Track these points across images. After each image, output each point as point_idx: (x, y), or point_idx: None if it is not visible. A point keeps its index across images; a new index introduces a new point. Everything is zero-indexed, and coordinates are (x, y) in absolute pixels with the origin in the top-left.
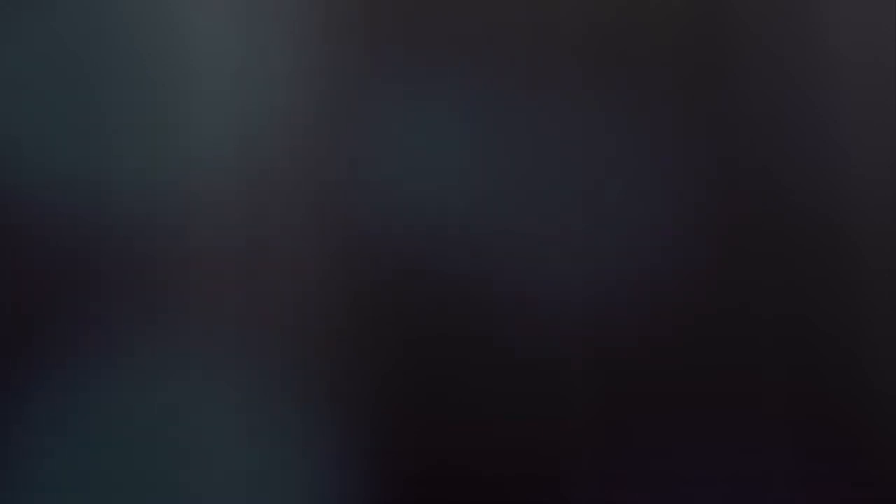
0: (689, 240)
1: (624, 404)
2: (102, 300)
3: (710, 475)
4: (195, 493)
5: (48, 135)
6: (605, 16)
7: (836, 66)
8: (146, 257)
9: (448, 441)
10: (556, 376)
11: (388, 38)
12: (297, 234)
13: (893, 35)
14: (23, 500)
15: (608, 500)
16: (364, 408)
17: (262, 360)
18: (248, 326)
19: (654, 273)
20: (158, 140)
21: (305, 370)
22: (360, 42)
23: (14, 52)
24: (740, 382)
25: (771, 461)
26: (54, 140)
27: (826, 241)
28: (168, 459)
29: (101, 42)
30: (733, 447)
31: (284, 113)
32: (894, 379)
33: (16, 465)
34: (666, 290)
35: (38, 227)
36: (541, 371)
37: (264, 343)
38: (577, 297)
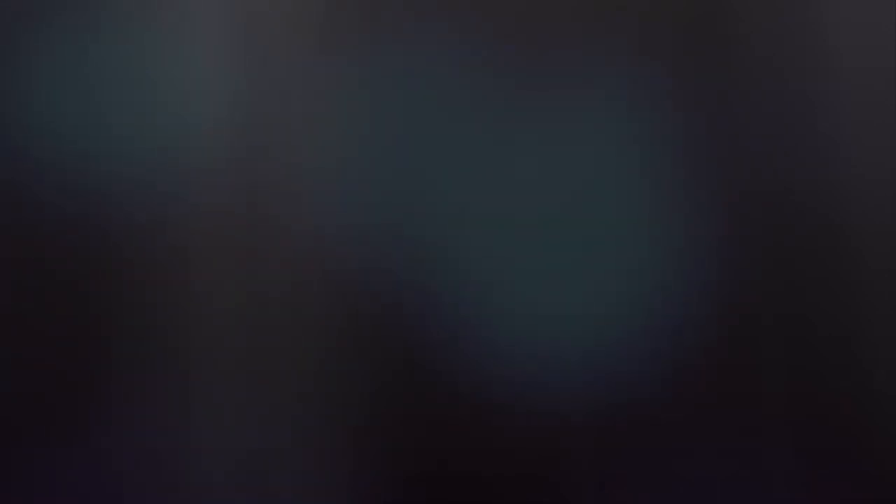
0: (686, 238)
1: (623, 404)
2: (89, 285)
3: (710, 475)
4: (190, 493)
5: (49, 117)
6: None
7: (837, 59)
8: (137, 248)
9: (445, 444)
10: (554, 373)
11: (382, 13)
12: (292, 228)
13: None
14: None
15: (607, 499)
16: (363, 406)
17: (257, 356)
18: (242, 317)
19: (652, 273)
20: (154, 127)
21: (300, 370)
22: (359, 28)
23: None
24: (740, 382)
25: (771, 461)
26: (54, 120)
27: (826, 241)
28: (165, 457)
29: (98, 27)
30: (733, 447)
31: (277, 107)
32: (894, 379)
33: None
34: (664, 289)
35: (34, 202)
36: (537, 373)
37: (259, 336)
38: (575, 297)
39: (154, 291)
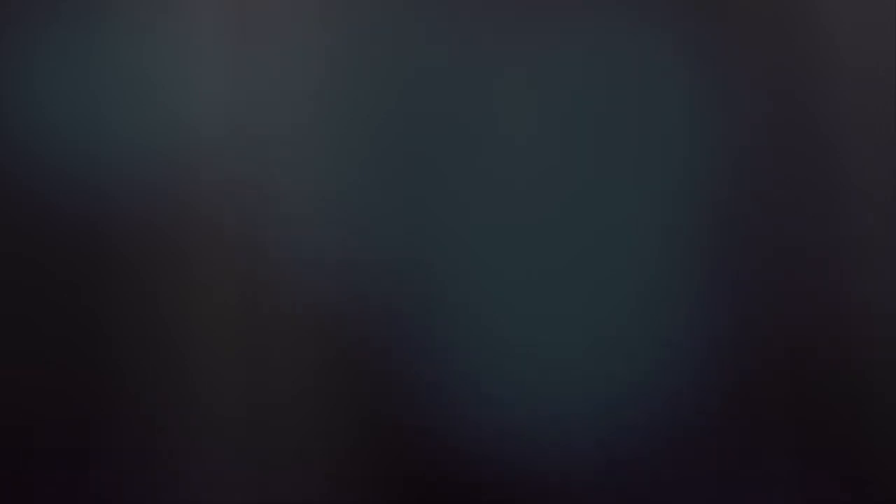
0: (684, 235)
1: (622, 404)
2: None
3: (710, 475)
4: (189, 492)
5: (52, 113)
6: None
7: (837, 57)
8: (136, 252)
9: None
10: (552, 372)
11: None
12: (293, 232)
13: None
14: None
15: (606, 499)
16: (358, 402)
17: (257, 357)
18: (241, 314)
19: (650, 267)
20: (155, 128)
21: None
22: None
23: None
24: (740, 384)
25: (770, 462)
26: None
27: (825, 240)
28: (162, 457)
29: (97, 26)
30: (732, 448)
31: (280, 108)
32: (894, 379)
33: None
34: (662, 285)
35: (34, 197)
36: (533, 376)
37: (258, 335)
38: (575, 290)
39: (151, 291)
